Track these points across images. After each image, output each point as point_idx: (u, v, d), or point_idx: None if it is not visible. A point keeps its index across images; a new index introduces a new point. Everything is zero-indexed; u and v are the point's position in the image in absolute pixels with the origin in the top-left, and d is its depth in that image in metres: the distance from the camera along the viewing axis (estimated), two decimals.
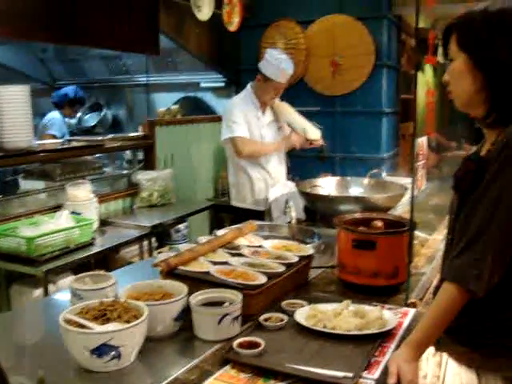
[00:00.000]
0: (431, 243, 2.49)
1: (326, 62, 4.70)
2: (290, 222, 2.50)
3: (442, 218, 2.74)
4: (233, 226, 2.39)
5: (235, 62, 5.08)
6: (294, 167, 3.98)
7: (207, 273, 1.67)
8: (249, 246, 1.99)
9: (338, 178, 3.30)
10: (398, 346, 1.38)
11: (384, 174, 3.53)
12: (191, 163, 4.62)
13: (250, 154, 3.42)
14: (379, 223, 1.97)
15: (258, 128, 3.49)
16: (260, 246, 2.01)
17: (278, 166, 3.64)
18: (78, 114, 5.87)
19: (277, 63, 3.38)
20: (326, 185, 3.08)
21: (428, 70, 6.45)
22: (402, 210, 2.87)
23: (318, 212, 2.93)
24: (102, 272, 1.66)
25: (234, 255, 1.87)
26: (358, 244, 1.81)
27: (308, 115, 3.71)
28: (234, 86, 5.13)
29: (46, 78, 6.29)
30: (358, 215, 2.10)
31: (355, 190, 3.14)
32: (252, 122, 3.47)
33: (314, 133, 3.54)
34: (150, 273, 1.76)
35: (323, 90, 4.76)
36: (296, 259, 1.86)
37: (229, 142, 3.42)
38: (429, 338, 1.27)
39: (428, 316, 1.28)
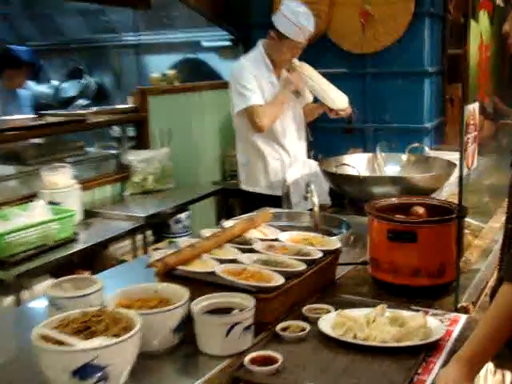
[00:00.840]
0: (486, 233, 2.48)
1: (354, 13, 4.64)
2: (312, 210, 2.49)
3: (500, 202, 2.71)
4: (243, 216, 2.42)
5: (244, 16, 5.05)
6: (316, 142, 3.96)
7: (212, 273, 1.67)
8: (263, 240, 1.99)
9: (369, 154, 3.30)
10: (446, 362, 1.37)
11: (427, 149, 3.50)
12: (192, 140, 4.64)
13: (272, 122, 3.44)
14: (421, 210, 1.95)
15: (272, 95, 3.47)
16: (276, 240, 2.01)
17: (296, 141, 3.64)
18: (32, 84, 5.71)
19: (294, 17, 3.36)
20: (356, 163, 3.07)
21: (482, 18, 6.33)
22: (449, 192, 2.86)
23: (346, 196, 2.95)
24: (85, 275, 1.67)
25: (244, 251, 1.87)
26: (395, 235, 1.80)
27: (332, 79, 3.70)
28: (242, 45, 5.12)
29: (12, 39, 6.25)
30: (394, 200, 2.09)
31: (391, 169, 3.15)
32: (265, 88, 3.46)
33: (339, 100, 3.54)
34: (144, 274, 1.77)
35: (351, 48, 4.72)
36: (320, 255, 1.86)
37: (243, 113, 3.42)
38: (485, 351, 1.26)
39: (484, 324, 1.26)
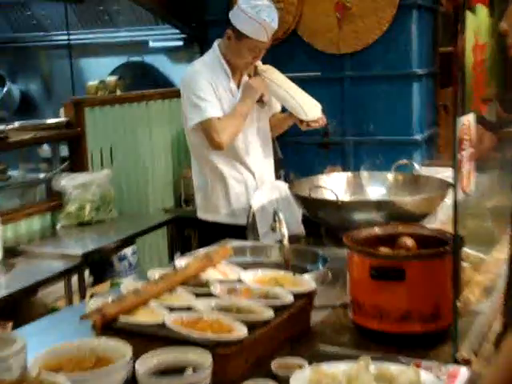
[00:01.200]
0: (489, 266, 2.45)
1: (329, 6, 4.70)
2: (281, 241, 2.48)
3: (505, 227, 2.66)
4: (200, 251, 2.43)
5: (199, 12, 5.07)
6: (286, 160, 4.02)
7: (161, 325, 1.66)
8: (222, 282, 1.99)
9: (350, 173, 3.32)
10: None
11: (417, 166, 3.50)
12: (139, 159, 4.65)
13: (232, 138, 3.45)
14: (409, 241, 1.96)
15: (230, 105, 3.48)
16: (238, 281, 2.02)
17: (262, 160, 3.65)
18: None
19: (254, 13, 3.35)
20: (334, 184, 3.08)
21: (480, 11, 6.44)
22: (444, 217, 2.84)
23: (322, 225, 2.96)
24: (4, 332, 1.63)
25: (200, 296, 1.87)
26: (379, 273, 1.81)
27: (304, 84, 3.70)
28: (197, 45, 5.17)
29: None
30: (377, 230, 2.10)
31: (375, 191, 3.16)
32: (224, 98, 3.47)
33: (311, 109, 3.54)
34: (78, 327, 1.75)
35: (326, 47, 4.77)
36: (291, 298, 1.86)
37: (199, 128, 3.42)
38: None
39: (490, 380, 1.26)
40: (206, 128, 3.36)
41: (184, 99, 3.46)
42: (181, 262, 2.19)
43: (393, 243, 1.99)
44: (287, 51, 4.63)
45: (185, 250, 3.56)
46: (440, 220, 2.88)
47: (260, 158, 3.63)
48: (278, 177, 3.83)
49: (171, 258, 4.33)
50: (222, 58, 3.50)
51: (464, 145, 1.80)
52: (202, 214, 3.64)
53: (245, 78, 3.56)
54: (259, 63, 3.57)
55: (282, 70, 3.65)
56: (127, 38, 5.58)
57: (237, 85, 3.53)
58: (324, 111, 3.57)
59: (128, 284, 1.97)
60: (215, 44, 3.56)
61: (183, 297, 1.86)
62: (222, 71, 3.50)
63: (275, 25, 3.43)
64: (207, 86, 3.40)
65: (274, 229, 2.58)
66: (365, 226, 2.13)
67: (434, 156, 4.94)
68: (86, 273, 3.59)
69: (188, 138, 3.59)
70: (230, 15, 3.45)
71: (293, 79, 3.66)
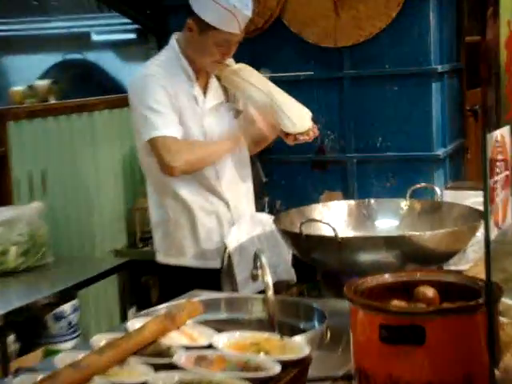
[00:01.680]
0: None
1: None
2: (265, 292, 2.42)
3: None
4: (158, 308, 2.42)
5: None
6: (271, 185, 4.04)
7: None
8: (189, 348, 1.96)
9: (352, 201, 3.38)
10: None
11: (439, 190, 3.48)
12: (81, 187, 4.66)
13: (189, 168, 3.45)
14: (430, 291, 1.95)
15: (195, 118, 3.51)
16: (210, 347, 1.99)
17: (239, 184, 3.68)
18: None
19: None
20: (332, 216, 3.10)
21: None
22: (476, 257, 2.87)
23: (318, 269, 2.99)
24: None
25: (160, 369, 1.84)
26: (391, 334, 1.78)
27: (291, 87, 3.71)
28: (153, 38, 5.19)
29: None
30: (388, 276, 2.09)
31: (386, 224, 3.18)
32: (185, 106, 3.49)
33: (299, 117, 3.52)
34: None
35: (319, 38, 4.79)
36: (277, 369, 1.82)
37: (148, 146, 3.44)
38: None
39: None
40: (157, 147, 3.38)
41: (133, 110, 3.50)
42: (135, 322, 2.16)
43: (409, 294, 1.97)
44: (269, 45, 4.67)
45: (141, 304, 3.62)
46: (470, 261, 2.91)
47: (235, 182, 3.64)
48: (260, 207, 3.92)
49: (123, 317, 4.30)
50: (183, 57, 3.53)
51: (497, 167, 1.79)
52: (162, 257, 3.65)
53: (213, 81, 3.60)
54: (231, 62, 3.58)
55: (263, 70, 3.77)
56: (63, 29, 5.61)
57: (202, 90, 3.56)
58: (315, 120, 3.57)
59: (65, 355, 1.94)
60: (173, 39, 3.59)
61: (138, 370, 1.83)
62: (182, 73, 3.53)
63: (249, 12, 3.45)
64: (162, 93, 3.42)
65: (255, 276, 2.56)
66: (372, 272, 2.11)
67: (461, 176, 4.97)
68: (11, 338, 3.54)
69: (141, 160, 3.61)
70: (190, 1, 3.46)
71: (276, 81, 3.67)
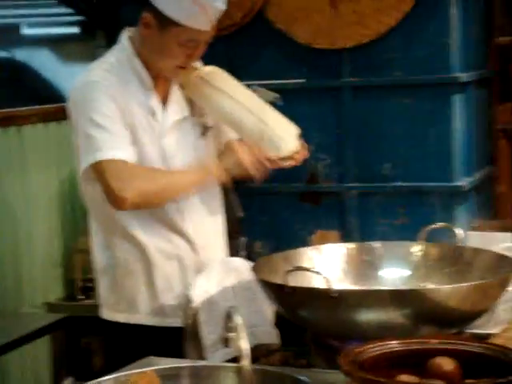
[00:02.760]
0: None
1: None
2: (238, 360, 2.33)
3: None
4: (102, 380, 2.30)
5: None
6: (249, 221, 4.08)
7: None
8: None
9: (351, 244, 3.25)
10: None
11: (461, 231, 3.30)
12: (6, 223, 4.68)
13: (143, 201, 3.28)
14: (449, 363, 1.92)
15: (152, 137, 3.36)
16: None
17: (207, 220, 3.51)
18: None
19: None
20: (326, 262, 3.06)
21: None
22: (508, 318, 2.82)
23: (307, 330, 2.89)
24: None
25: None
26: None
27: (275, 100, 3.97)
28: (102, 33, 5.37)
29: None
30: (395, 343, 2.07)
31: (393, 274, 3.07)
32: (139, 122, 3.33)
33: (282, 138, 3.37)
34: None
35: (311, 38, 4.84)
36: None
37: (91, 172, 3.27)
38: None
39: None
40: (102, 173, 3.23)
41: (74, 126, 3.34)
42: None
43: (421, 367, 1.96)
44: (248, 45, 4.75)
45: (81, 374, 3.34)
46: (500, 324, 2.80)
47: (203, 217, 3.49)
48: (234, 250, 3.91)
49: None
50: (137, 59, 3.38)
51: None
52: (108, 312, 3.47)
53: (175, 90, 3.46)
54: (199, 65, 3.49)
55: (239, 76, 3.53)
56: None
57: (162, 101, 3.41)
58: (305, 140, 3.37)
59: None
60: (125, 36, 3.44)
61: None
62: (136, 80, 3.38)
63: (221, 4, 3.32)
64: (110, 105, 3.27)
65: (227, 339, 2.42)
66: (376, 336, 2.13)
67: (489, 214, 4.97)
68: None
69: (83, 189, 3.43)
70: None
71: (256, 90, 3.84)
